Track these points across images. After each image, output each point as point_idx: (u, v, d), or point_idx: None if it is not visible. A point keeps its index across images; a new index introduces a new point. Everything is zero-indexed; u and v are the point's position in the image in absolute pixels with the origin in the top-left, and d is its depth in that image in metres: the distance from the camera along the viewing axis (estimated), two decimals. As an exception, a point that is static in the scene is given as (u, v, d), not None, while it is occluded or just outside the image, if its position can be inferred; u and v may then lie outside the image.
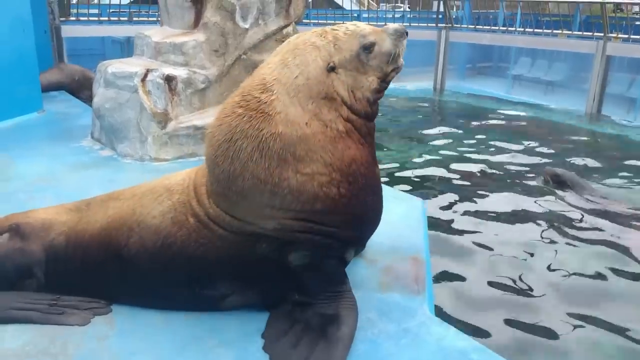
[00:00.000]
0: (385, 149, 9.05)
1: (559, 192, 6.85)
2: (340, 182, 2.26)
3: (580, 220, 6.08)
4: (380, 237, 2.96)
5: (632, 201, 6.58)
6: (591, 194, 6.67)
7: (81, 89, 8.57)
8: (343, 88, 2.30)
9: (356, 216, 2.38)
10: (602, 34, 11.89)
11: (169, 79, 5.10)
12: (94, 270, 2.50)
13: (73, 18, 11.49)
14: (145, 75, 5.07)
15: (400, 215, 3.70)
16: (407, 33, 2.46)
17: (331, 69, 2.28)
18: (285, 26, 5.64)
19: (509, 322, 4.16)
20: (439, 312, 2.78)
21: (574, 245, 5.48)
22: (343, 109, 2.30)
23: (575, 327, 4.14)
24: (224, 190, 2.30)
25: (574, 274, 4.90)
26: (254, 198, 2.25)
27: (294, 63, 2.29)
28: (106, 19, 12.01)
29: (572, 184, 6.91)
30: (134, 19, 12.02)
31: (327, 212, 2.27)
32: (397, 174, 7.72)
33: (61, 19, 10.52)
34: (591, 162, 8.47)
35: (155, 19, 11.47)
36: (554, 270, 4.96)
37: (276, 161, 2.19)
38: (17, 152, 5.26)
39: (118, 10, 12.12)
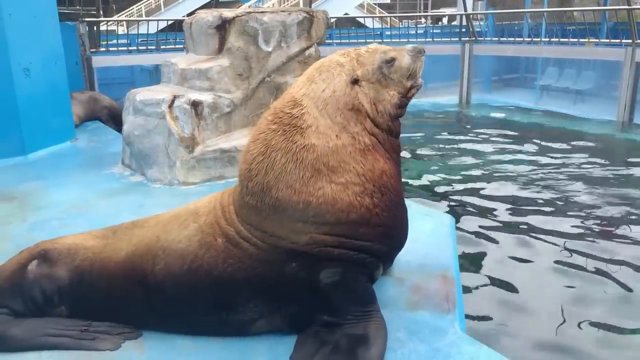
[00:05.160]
0: (412, 164, 8.99)
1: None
2: (374, 192, 2.33)
3: (620, 236, 5.90)
4: (408, 255, 2.93)
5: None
6: None
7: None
8: (366, 100, 2.42)
9: (388, 228, 2.41)
10: (630, 41, 11.67)
11: (195, 104, 5.19)
12: (119, 297, 2.52)
13: (103, 49, 11.84)
14: (172, 102, 5.17)
15: (429, 232, 3.65)
16: (424, 51, 2.57)
17: (355, 81, 2.41)
18: (307, 48, 5.70)
19: (542, 340, 4.04)
20: (471, 331, 2.71)
21: (614, 259, 5.31)
22: (367, 121, 2.40)
23: (616, 347, 3.99)
24: (257, 202, 2.33)
25: (616, 293, 4.72)
26: (286, 210, 2.28)
27: (320, 78, 2.43)
28: (135, 48, 12.36)
29: None
30: (162, 47, 12.34)
31: (360, 223, 2.31)
32: (424, 190, 7.65)
33: (92, 50, 10.85)
34: (625, 172, 8.25)
35: (181, 46, 11.75)
36: (590, 286, 4.81)
37: (310, 171, 2.27)
38: (51, 180, 5.41)
39: (146, 39, 12.47)
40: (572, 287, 4.79)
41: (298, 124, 2.34)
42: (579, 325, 4.20)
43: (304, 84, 2.46)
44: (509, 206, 6.88)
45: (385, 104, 2.45)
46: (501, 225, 6.27)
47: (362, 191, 2.31)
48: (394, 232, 2.49)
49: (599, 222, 6.23)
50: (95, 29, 11.49)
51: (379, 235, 2.38)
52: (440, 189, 7.70)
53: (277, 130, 2.36)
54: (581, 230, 5.99)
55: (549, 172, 8.32)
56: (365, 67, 2.44)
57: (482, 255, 5.48)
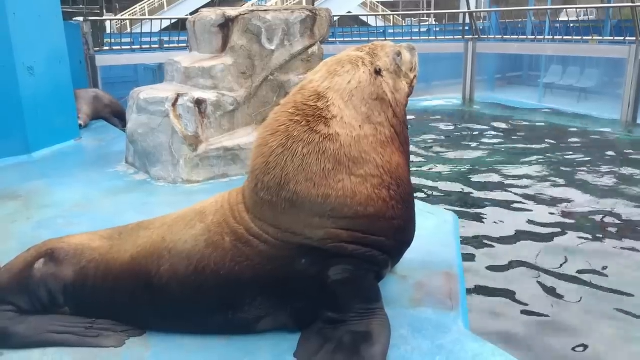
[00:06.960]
0: (416, 162, 8.98)
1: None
2: (391, 184, 2.36)
3: (620, 235, 5.88)
4: (411, 253, 2.92)
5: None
6: None
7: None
8: (389, 89, 2.51)
9: (402, 221, 2.44)
10: (634, 38, 11.62)
11: (198, 103, 5.20)
12: (124, 298, 2.52)
13: (107, 48, 11.83)
14: (176, 100, 5.19)
15: (432, 229, 3.66)
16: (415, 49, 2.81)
17: (378, 72, 2.49)
18: (311, 46, 5.71)
19: (546, 337, 4.04)
20: (474, 328, 2.71)
21: (617, 257, 5.30)
22: (390, 110, 2.48)
23: (619, 345, 3.99)
24: (273, 197, 2.31)
25: (617, 290, 4.71)
26: (304, 204, 2.27)
27: (344, 71, 2.47)
28: (138, 47, 12.35)
29: None
30: (165, 46, 12.33)
31: (378, 217, 2.32)
32: (428, 188, 7.64)
33: (95, 49, 10.84)
34: (629, 171, 8.22)
35: (185, 45, 11.74)
36: (593, 284, 4.80)
37: (332, 163, 2.27)
38: (55, 179, 5.43)
39: (149, 38, 12.47)
40: (575, 286, 4.79)
41: (323, 115, 2.35)
42: (581, 324, 4.20)
43: (325, 78, 2.46)
44: (512, 204, 6.87)
45: (401, 92, 2.58)
46: (504, 223, 6.26)
47: (380, 183, 2.33)
48: (406, 226, 2.51)
49: (603, 221, 6.21)
50: (99, 27, 11.50)
51: (393, 229, 2.39)
52: (444, 187, 7.68)
53: (300, 121, 2.35)
54: (585, 230, 5.98)
55: (552, 170, 8.30)
56: (382, 59, 2.55)
57: (485, 252, 5.48)
